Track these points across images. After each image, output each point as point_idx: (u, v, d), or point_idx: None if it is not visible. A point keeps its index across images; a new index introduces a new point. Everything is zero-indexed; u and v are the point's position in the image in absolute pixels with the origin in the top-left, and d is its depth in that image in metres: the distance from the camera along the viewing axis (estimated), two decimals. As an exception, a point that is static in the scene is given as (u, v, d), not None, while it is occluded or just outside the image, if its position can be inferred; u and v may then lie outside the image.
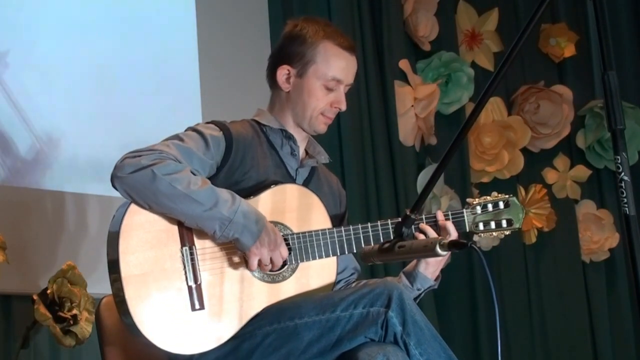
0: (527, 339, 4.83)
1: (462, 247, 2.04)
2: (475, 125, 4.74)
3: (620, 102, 1.83)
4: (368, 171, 4.44)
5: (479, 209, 2.57)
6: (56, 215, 3.49)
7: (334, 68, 2.60)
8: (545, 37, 5.09)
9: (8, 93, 3.45)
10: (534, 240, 4.94)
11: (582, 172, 5.07)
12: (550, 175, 5.03)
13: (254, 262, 2.39)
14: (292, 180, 2.60)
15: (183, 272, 2.37)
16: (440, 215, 2.53)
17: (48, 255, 3.43)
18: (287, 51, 2.64)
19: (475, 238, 2.62)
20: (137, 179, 2.34)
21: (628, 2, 5.27)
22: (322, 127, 2.64)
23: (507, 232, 2.60)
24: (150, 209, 2.38)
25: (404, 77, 4.69)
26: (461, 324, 4.70)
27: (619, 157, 1.81)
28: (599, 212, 5.07)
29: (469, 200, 2.60)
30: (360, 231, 2.52)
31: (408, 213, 2.26)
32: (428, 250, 2.15)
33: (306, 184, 2.64)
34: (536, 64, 5.10)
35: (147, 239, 2.37)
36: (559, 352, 4.88)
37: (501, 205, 2.58)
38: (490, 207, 2.58)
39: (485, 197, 2.61)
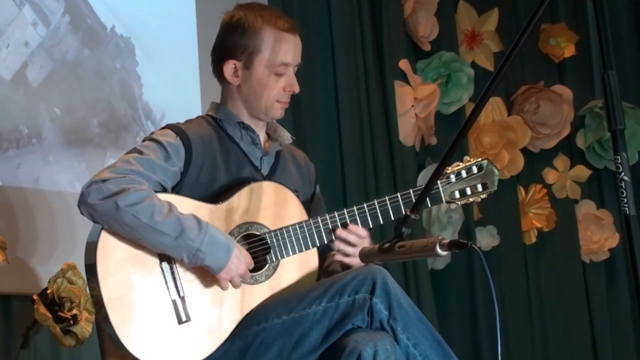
0: (527, 338, 4.83)
1: (462, 247, 2.04)
2: (475, 125, 4.74)
3: (620, 102, 1.83)
4: (368, 171, 4.43)
5: (453, 178, 2.55)
6: (56, 215, 3.48)
7: (280, 53, 2.56)
8: (545, 37, 5.09)
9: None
10: (534, 240, 4.93)
11: (582, 172, 5.06)
12: (550, 175, 5.03)
13: (226, 285, 2.40)
14: (257, 170, 2.59)
15: (165, 287, 2.36)
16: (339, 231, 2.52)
17: (48, 255, 3.42)
18: (229, 44, 2.60)
19: (453, 206, 2.60)
20: (102, 209, 2.35)
21: (628, 2, 5.27)
22: (279, 113, 2.62)
23: (484, 196, 2.58)
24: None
25: (404, 77, 4.68)
26: (461, 324, 4.69)
27: (619, 157, 1.81)
28: (599, 212, 5.06)
29: None
30: (337, 218, 2.51)
31: (408, 213, 2.26)
32: (428, 250, 2.15)
33: (273, 169, 2.62)
34: (536, 64, 5.09)
35: (125, 259, 2.36)
36: (558, 352, 4.87)
37: (475, 169, 2.57)
38: (464, 173, 2.56)
39: (457, 163, 2.57)
